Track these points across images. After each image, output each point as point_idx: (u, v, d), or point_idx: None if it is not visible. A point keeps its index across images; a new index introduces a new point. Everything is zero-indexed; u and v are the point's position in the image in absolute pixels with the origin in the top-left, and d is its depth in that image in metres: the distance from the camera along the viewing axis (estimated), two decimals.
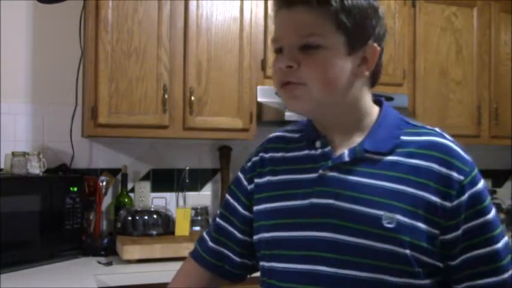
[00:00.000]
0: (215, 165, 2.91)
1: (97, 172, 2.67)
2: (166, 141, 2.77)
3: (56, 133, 2.63)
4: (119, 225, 2.48)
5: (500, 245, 0.98)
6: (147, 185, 2.79)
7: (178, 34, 2.50)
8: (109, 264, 2.25)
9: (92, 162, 2.70)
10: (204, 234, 1.24)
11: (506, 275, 0.98)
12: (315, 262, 0.97)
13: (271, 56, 2.64)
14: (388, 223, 0.94)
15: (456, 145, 1.04)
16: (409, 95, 2.93)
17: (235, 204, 1.17)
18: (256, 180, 1.13)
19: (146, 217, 2.47)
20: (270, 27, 2.65)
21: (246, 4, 2.61)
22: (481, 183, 1.00)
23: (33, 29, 2.63)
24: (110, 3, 2.39)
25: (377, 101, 1.11)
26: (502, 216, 3.26)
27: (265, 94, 2.63)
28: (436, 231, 0.95)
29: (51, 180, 2.31)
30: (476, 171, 1.01)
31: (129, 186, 2.73)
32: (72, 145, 2.62)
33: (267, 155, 1.14)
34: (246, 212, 1.15)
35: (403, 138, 1.02)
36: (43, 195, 2.22)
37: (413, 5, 2.96)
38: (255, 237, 1.10)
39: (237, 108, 2.58)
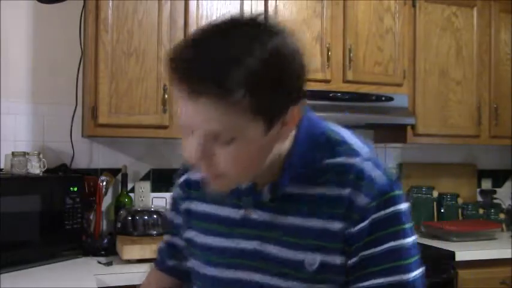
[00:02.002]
0: None
1: (97, 172, 2.67)
2: (166, 141, 2.77)
3: (56, 133, 2.63)
4: (118, 225, 2.48)
5: (410, 276, 0.92)
6: (147, 185, 2.79)
7: (178, 34, 2.50)
8: (109, 264, 2.25)
9: (92, 162, 2.70)
10: (163, 246, 1.22)
11: None
12: None
13: None
14: (311, 266, 0.92)
15: (372, 165, 0.95)
16: (409, 95, 2.93)
17: (178, 220, 1.14)
18: (184, 205, 1.10)
19: (146, 217, 2.47)
20: None
21: (246, 4, 2.61)
22: (394, 208, 0.91)
23: (33, 29, 2.63)
24: (110, 3, 2.39)
25: None
26: (502, 216, 3.26)
27: None
28: (346, 260, 0.92)
29: (51, 180, 2.31)
30: (388, 195, 0.92)
31: (129, 186, 2.73)
32: (72, 145, 2.62)
33: (192, 177, 1.09)
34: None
35: (324, 162, 0.94)
36: (43, 195, 2.22)
37: (414, 5, 2.96)
38: (188, 263, 1.10)
39: None
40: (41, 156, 2.37)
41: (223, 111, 0.80)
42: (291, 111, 0.86)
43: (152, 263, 1.26)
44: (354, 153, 0.96)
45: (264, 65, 0.80)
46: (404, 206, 0.94)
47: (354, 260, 0.91)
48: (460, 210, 3.26)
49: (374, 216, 0.90)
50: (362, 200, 0.90)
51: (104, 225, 2.64)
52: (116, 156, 2.74)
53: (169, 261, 1.20)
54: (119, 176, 2.70)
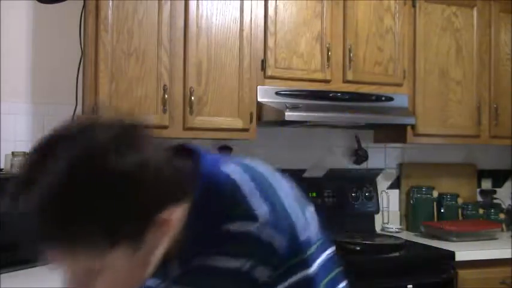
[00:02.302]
0: None
1: None
2: (166, 141, 2.76)
3: None
4: None
5: None
6: None
7: (178, 34, 2.50)
8: None
9: None
10: None
11: None
12: None
13: (271, 56, 2.65)
14: None
15: (271, 229, 0.83)
16: (409, 95, 2.93)
17: None
18: None
19: None
20: (269, 28, 2.65)
21: (246, 4, 2.61)
22: (303, 273, 0.86)
23: (33, 29, 2.63)
24: (110, 3, 2.39)
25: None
26: (502, 216, 3.26)
27: (265, 94, 2.63)
28: None
29: None
30: (295, 259, 0.85)
31: None
32: None
33: None
34: None
35: (222, 228, 0.84)
36: None
37: (414, 5, 2.96)
38: None
39: (237, 108, 2.58)
40: None
41: (74, 257, 0.77)
42: (159, 220, 0.78)
43: None
44: (250, 217, 0.84)
45: (105, 201, 0.72)
46: (312, 269, 0.87)
47: None
48: (460, 210, 3.25)
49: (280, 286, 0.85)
50: (264, 272, 0.84)
51: None
52: None
53: None
54: None
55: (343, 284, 0.95)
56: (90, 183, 0.72)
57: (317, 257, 0.88)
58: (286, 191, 0.90)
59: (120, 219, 0.73)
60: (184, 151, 0.94)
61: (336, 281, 0.93)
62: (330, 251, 0.93)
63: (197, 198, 0.85)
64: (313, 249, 0.88)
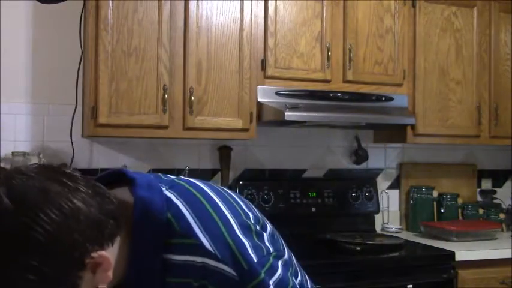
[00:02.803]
0: (215, 165, 2.90)
1: (97, 172, 2.66)
2: (166, 141, 2.77)
3: (56, 133, 2.62)
4: None
5: None
6: None
7: (178, 34, 2.50)
8: None
9: (92, 162, 2.70)
10: None
11: None
12: None
13: (271, 56, 2.65)
14: None
15: (216, 259, 0.82)
16: (409, 95, 2.93)
17: None
18: None
19: None
20: (269, 28, 2.65)
21: (246, 4, 2.61)
22: None
23: (33, 29, 2.63)
24: (110, 3, 2.39)
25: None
26: (502, 216, 3.27)
27: (265, 94, 2.63)
28: None
29: None
30: (249, 285, 0.83)
31: None
32: (72, 145, 2.62)
33: None
34: None
35: (165, 257, 0.83)
36: None
37: (413, 5, 2.96)
38: None
39: (237, 108, 2.58)
40: (41, 156, 2.37)
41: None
42: (89, 265, 0.74)
43: None
44: (195, 249, 0.82)
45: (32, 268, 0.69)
46: (274, 280, 0.85)
47: None
48: (460, 210, 3.25)
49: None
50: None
51: None
52: (116, 156, 2.74)
53: None
54: None
55: (299, 278, 0.92)
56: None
57: (273, 274, 0.85)
58: (226, 216, 0.85)
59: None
60: (118, 178, 0.89)
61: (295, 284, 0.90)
62: (282, 259, 0.89)
63: (134, 228, 0.82)
64: (267, 266, 0.84)
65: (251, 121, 2.60)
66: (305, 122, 2.67)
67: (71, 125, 2.62)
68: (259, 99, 2.62)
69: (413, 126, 2.92)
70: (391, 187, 3.29)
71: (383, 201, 3.20)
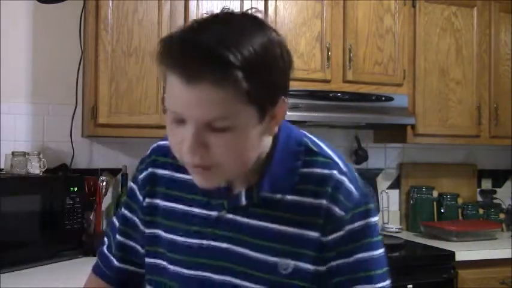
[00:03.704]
0: None
1: (97, 172, 2.66)
2: None
3: (56, 133, 2.62)
4: None
5: (379, 286, 0.94)
6: None
7: None
8: None
9: (92, 162, 2.70)
10: (106, 251, 1.16)
11: None
12: None
13: None
14: (284, 269, 0.93)
15: (348, 177, 0.96)
16: (409, 95, 2.93)
17: (134, 218, 1.09)
18: (148, 200, 1.05)
19: None
20: None
21: (246, 4, 2.61)
22: (367, 220, 0.95)
23: (33, 29, 2.63)
24: (110, 3, 2.39)
25: None
26: (502, 216, 3.26)
27: None
28: (319, 268, 0.94)
29: (51, 180, 2.31)
30: (362, 207, 0.95)
31: None
32: (72, 145, 2.62)
33: (158, 171, 1.05)
34: (143, 228, 1.07)
35: (302, 171, 0.95)
36: (43, 195, 2.22)
37: (413, 5, 2.96)
38: (147, 260, 1.05)
39: None
40: (41, 156, 2.37)
41: (222, 96, 0.79)
42: (280, 104, 0.88)
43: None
44: (330, 165, 0.96)
45: (262, 52, 0.81)
46: (375, 219, 0.97)
47: (323, 268, 0.94)
48: (460, 210, 3.25)
49: (348, 227, 0.93)
50: (338, 211, 0.93)
51: (104, 225, 2.64)
52: (116, 156, 2.74)
53: (116, 265, 1.13)
54: (119, 176, 2.70)
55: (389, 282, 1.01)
56: (254, 34, 0.83)
57: (369, 213, 0.97)
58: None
59: (262, 71, 0.81)
60: None
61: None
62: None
63: (280, 137, 0.96)
64: (371, 204, 0.98)
65: None
66: (305, 122, 2.67)
67: (71, 125, 2.62)
68: None
69: (413, 126, 2.93)
70: (391, 187, 3.29)
71: (383, 201, 3.20)
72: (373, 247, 0.95)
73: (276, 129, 0.91)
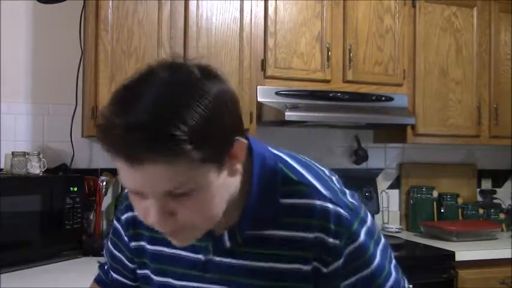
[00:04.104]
0: None
1: (97, 172, 2.66)
2: None
3: (56, 133, 2.62)
4: None
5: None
6: None
7: (178, 34, 2.50)
8: None
9: (92, 162, 2.70)
10: (103, 276, 1.19)
11: None
12: None
13: (271, 56, 2.65)
14: None
15: (332, 201, 0.92)
16: (409, 95, 2.93)
17: (121, 257, 1.09)
18: (133, 244, 1.04)
19: None
20: (269, 28, 2.65)
21: (246, 4, 2.61)
22: (361, 237, 0.92)
23: (33, 29, 2.63)
24: (110, 3, 2.39)
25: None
26: (502, 216, 3.26)
27: (265, 94, 2.63)
28: None
29: (51, 180, 2.31)
30: (355, 223, 0.92)
31: None
32: (72, 145, 2.62)
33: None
34: (132, 265, 1.08)
35: (282, 202, 0.92)
36: (43, 195, 2.22)
37: (414, 5, 2.96)
38: None
39: None
40: (41, 156, 2.37)
41: (174, 170, 0.76)
42: (236, 145, 0.83)
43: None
44: (310, 194, 0.92)
45: (207, 114, 0.76)
46: (369, 224, 0.95)
47: None
48: (460, 210, 3.25)
49: (346, 251, 0.91)
50: (332, 241, 0.90)
51: (104, 225, 2.64)
52: None
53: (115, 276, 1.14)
54: (119, 176, 2.69)
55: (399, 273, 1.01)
56: (191, 98, 0.77)
57: (363, 226, 0.94)
58: (324, 171, 1.00)
59: (210, 133, 0.77)
60: None
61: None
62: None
63: (254, 169, 0.92)
64: (362, 211, 0.95)
65: (251, 121, 2.60)
66: (305, 122, 2.67)
67: (71, 125, 2.62)
68: (259, 99, 2.62)
69: (413, 126, 2.93)
70: (391, 187, 3.29)
71: (383, 201, 3.20)
72: (371, 261, 0.93)
73: (239, 167, 0.86)
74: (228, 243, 0.93)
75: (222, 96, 0.82)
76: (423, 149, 3.34)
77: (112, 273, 1.15)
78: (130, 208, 1.00)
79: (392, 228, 3.13)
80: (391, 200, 3.24)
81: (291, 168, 0.95)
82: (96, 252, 2.38)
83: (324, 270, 0.91)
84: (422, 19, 2.98)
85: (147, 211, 0.81)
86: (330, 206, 0.91)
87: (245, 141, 0.86)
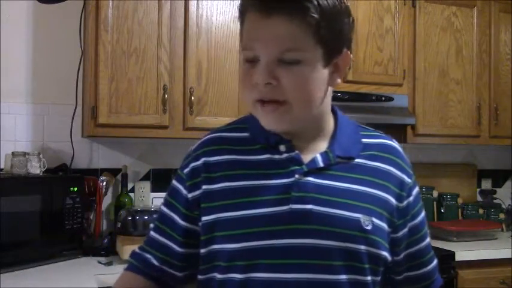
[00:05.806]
0: None
1: (97, 172, 2.67)
2: (166, 141, 2.77)
3: (56, 133, 2.63)
4: (118, 225, 2.48)
5: (428, 239, 1.12)
6: (147, 185, 2.79)
7: (178, 34, 2.50)
8: (109, 264, 2.25)
9: (92, 162, 2.70)
10: (139, 251, 1.14)
11: (431, 265, 1.13)
12: (299, 270, 0.95)
13: None
14: (367, 225, 0.97)
15: (401, 148, 1.11)
16: (409, 95, 2.93)
17: (173, 215, 1.09)
18: (205, 187, 1.04)
19: (146, 217, 2.47)
20: None
21: None
22: (417, 184, 1.10)
23: (33, 29, 2.63)
24: (110, 3, 2.39)
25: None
26: (502, 216, 3.26)
27: None
28: (391, 230, 1.03)
29: (51, 180, 2.31)
30: (414, 174, 1.10)
31: (129, 186, 2.73)
32: (72, 145, 2.62)
33: (211, 159, 1.07)
34: (185, 223, 1.07)
35: (364, 140, 1.06)
36: (43, 195, 2.22)
37: (413, 5, 2.96)
38: (209, 248, 1.02)
39: (237, 108, 2.58)
40: (41, 156, 2.37)
41: (294, 30, 0.90)
42: (344, 55, 0.98)
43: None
44: (384, 136, 1.10)
45: (338, 8, 0.93)
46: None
47: (404, 231, 1.05)
48: (460, 210, 3.25)
49: (414, 192, 1.07)
50: (406, 179, 1.05)
51: (104, 225, 2.64)
52: (116, 156, 2.74)
53: (152, 260, 1.11)
54: (119, 176, 2.70)
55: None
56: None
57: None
58: None
59: (334, 21, 0.94)
60: None
61: None
62: None
63: (339, 118, 1.07)
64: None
65: None
66: None
67: (71, 125, 2.62)
68: None
69: (413, 126, 2.93)
70: None
71: None
72: (422, 209, 1.10)
73: (339, 81, 0.99)
74: (321, 163, 1.00)
75: (350, 12, 0.99)
76: (423, 149, 3.34)
77: (154, 245, 1.11)
78: (203, 155, 1.09)
79: None
80: None
81: (363, 125, 1.11)
82: (96, 252, 2.39)
83: (400, 205, 1.03)
84: (422, 19, 2.99)
85: (254, 75, 0.93)
86: (400, 148, 1.10)
87: (351, 55, 1.01)
